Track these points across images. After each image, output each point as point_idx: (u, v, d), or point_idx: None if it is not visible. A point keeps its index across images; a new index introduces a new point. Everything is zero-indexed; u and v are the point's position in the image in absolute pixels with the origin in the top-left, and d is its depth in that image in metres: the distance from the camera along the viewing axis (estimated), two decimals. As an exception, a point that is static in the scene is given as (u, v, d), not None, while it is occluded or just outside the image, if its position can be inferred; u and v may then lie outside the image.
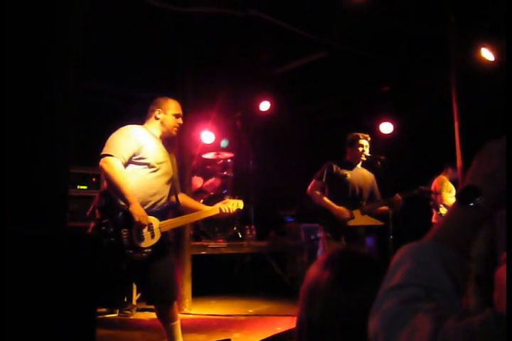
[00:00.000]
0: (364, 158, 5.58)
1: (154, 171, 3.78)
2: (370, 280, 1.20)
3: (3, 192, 2.48)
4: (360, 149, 5.54)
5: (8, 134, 2.59)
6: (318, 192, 5.48)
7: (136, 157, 3.69)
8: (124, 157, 3.61)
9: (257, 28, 6.60)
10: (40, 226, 2.59)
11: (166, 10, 5.98)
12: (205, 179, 8.00)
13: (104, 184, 3.71)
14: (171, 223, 3.81)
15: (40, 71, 2.83)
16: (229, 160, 8.14)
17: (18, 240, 2.19)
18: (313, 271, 1.33)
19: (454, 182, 7.05)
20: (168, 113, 3.99)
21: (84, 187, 6.46)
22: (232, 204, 4.13)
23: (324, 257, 1.35)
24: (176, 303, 3.84)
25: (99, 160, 3.62)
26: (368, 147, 5.59)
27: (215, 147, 8.33)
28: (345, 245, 5.04)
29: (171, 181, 3.96)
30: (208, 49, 7.31)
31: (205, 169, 8.05)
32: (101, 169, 3.58)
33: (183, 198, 4.16)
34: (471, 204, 0.94)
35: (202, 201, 7.39)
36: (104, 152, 3.61)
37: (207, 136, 8.30)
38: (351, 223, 5.32)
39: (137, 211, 3.53)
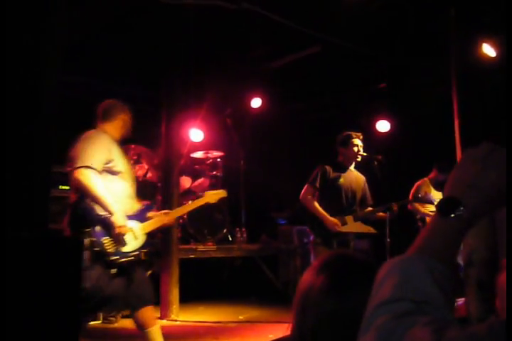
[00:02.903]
0: (359, 159, 5.57)
1: (123, 177, 3.96)
2: (366, 287, 1.19)
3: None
4: (355, 149, 5.52)
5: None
6: (311, 198, 5.44)
7: (108, 165, 3.82)
8: (99, 166, 3.72)
9: (249, 21, 6.59)
10: (21, 229, 2.58)
11: (154, 2, 5.96)
12: (194, 179, 7.99)
13: (72, 196, 3.78)
14: (152, 223, 3.99)
15: (19, 65, 2.82)
16: (218, 160, 8.13)
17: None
18: (306, 277, 1.32)
19: (442, 184, 7.04)
20: (128, 114, 4.20)
21: (67, 187, 6.41)
22: (215, 195, 4.48)
23: (318, 262, 1.34)
24: (150, 308, 3.89)
25: (71, 172, 3.70)
26: (362, 146, 5.60)
27: (204, 145, 8.31)
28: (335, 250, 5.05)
29: (133, 182, 4.15)
30: (198, 43, 7.29)
31: (194, 169, 8.04)
32: (76, 181, 3.65)
33: None
34: (452, 215, 0.95)
35: (190, 202, 7.37)
36: (78, 164, 3.67)
37: (195, 134, 8.28)
38: (343, 229, 5.33)
39: (118, 222, 3.68)
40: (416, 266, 0.91)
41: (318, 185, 5.43)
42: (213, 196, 4.50)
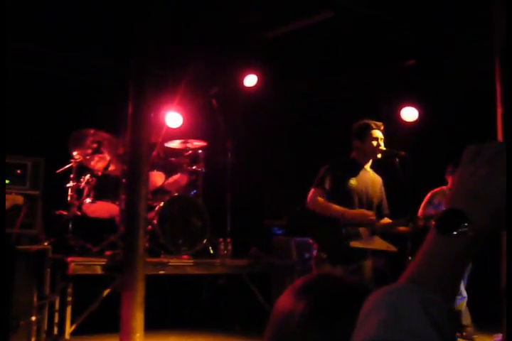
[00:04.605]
0: (379, 156, 5.53)
1: None
2: (358, 315, 1.17)
3: None
4: (374, 143, 5.48)
5: None
6: (321, 200, 5.33)
7: None
8: None
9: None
10: None
11: None
12: (168, 175, 7.93)
13: None
14: None
15: None
16: (200, 151, 8.11)
17: None
18: (283, 302, 1.30)
19: None
20: None
21: (6, 181, 6.38)
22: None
23: (298, 284, 1.33)
24: None
25: None
26: (383, 140, 5.55)
27: (182, 133, 8.27)
28: (341, 271, 5.03)
29: None
30: (178, 4, 7.25)
31: (169, 162, 7.99)
32: None
33: None
34: (455, 232, 0.94)
35: (162, 204, 7.33)
36: None
37: (172, 118, 8.24)
38: (356, 244, 5.27)
39: None
40: (407, 299, 0.91)
41: (328, 187, 5.35)
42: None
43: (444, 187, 7.07)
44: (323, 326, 1.20)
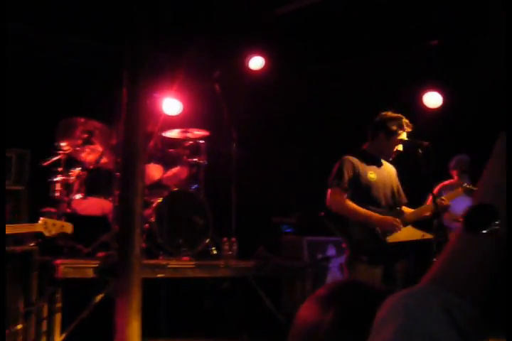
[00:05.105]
0: (391, 159, 5.64)
1: None
2: None
3: None
4: (395, 147, 5.56)
5: None
6: (343, 201, 5.37)
7: None
8: None
9: None
10: None
11: None
12: (166, 168, 7.91)
13: None
14: None
15: None
16: (201, 141, 8.08)
17: None
18: (308, 311, 1.32)
19: None
20: None
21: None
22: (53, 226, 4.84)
23: (325, 291, 1.35)
24: None
25: None
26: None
27: (182, 121, 8.20)
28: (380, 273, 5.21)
29: None
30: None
31: (167, 153, 7.97)
32: None
33: None
34: (485, 231, 0.94)
35: (160, 200, 7.28)
36: None
37: (170, 104, 8.19)
38: (394, 239, 5.32)
39: None
40: (428, 303, 0.91)
41: (346, 184, 5.42)
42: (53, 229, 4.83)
43: (453, 181, 7.11)
44: (353, 335, 1.21)
